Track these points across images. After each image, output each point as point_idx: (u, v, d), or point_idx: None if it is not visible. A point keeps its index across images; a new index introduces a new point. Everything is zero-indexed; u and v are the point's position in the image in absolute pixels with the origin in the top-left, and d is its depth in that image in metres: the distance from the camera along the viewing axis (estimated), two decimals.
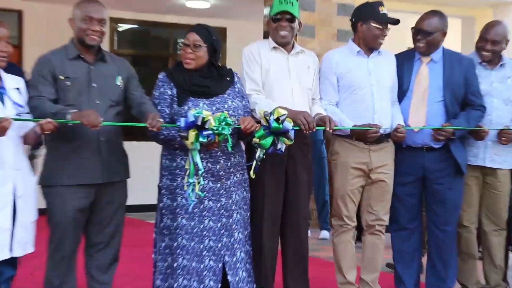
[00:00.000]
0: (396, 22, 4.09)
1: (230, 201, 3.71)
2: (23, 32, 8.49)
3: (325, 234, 6.89)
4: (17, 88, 3.52)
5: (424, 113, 4.17)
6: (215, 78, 3.74)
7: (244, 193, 3.81)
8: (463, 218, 4.44)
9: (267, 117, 3.56)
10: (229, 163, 3.70)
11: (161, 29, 9.65)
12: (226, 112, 3.55)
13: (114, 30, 9.18)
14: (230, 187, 3.72)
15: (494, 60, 4.46)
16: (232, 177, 3.73)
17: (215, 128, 3.41)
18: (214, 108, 3.63)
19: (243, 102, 3.81)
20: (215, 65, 3.76)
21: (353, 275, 4.22)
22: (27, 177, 3.52)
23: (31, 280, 4.48)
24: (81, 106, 3.45)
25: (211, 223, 3.65)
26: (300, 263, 4.08)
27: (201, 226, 3.63)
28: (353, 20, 4.21)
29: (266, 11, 7.27)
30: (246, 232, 3.81)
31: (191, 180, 3.49)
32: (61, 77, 3.50)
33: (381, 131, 4.01)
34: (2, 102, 3.40)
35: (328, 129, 3.83)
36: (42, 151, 3.90)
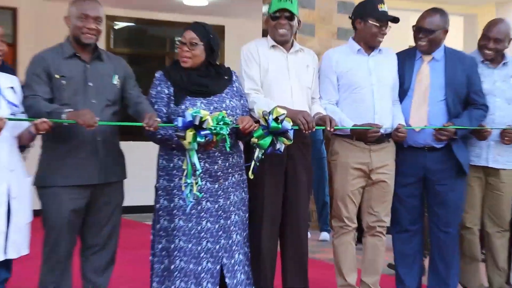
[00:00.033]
0: (395, 19, 4.09)
1: (228, 202, 3.71)
2: (17, 30, 8.47)
3: (325, 235, 6.89)
4: (12, 87, 3.51)
5: (425, 112, 4.17)
6: (213, 77, 3.74)
7: (243, 194, 3.81)
8: (465, 220, 4.45)
9: (266, 117, 3.57)
10: (227, 164, 3.70)
11: (158, 27, 9.65)
12: (224, 111, 3.55)
13: (110, 28, 9.18)
14: (228, 188, 3.72)
15: (496, 58, 4.47)
16: (230, 177, 3.73)
17: (213, 128, 3.41)
18: (211, 107, 3.63)
19: (242, 102, 3.81)
20: (213, 64, 3.76)
21: (353, 278, 4.22)
22: (21, 178, 3.52)
23: (25, 283, 4.47)
24: (77, 105, 3.44)
25: (208, 224, 3.65)
26: (300, 264, 4.08)
27: (199, 227, 3.63)
28: (353, 17, 4.22)
29: (265, 9, 7.27)
30: (244, 234, 3.81)
31: (189, 181, 3.49)
32: (57, 76, 3.49)
33: (382, 130, 4.02)
34: None
35: (328, 128, 3.84)
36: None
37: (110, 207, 3.70)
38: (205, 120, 3.38)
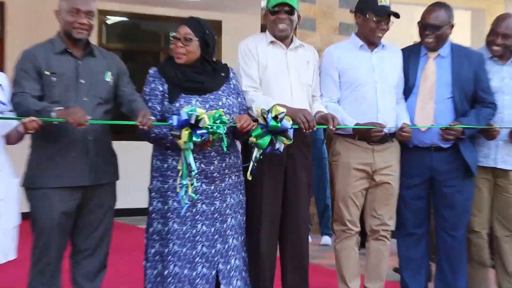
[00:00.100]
0: (394, 15, 4.09)
1: (225, 205, 3.71)
2: (5, 25, 8.45)
3: (326, 240, 6.89)
4: (0, 85, 3.51)
5: (431, 110, 4.17)
6: (209, 74, 3.74)
7: (240, 196, 3.81)
8: (473, 223, 4.44)
9: (265, 115, 3.57)
10: (223, 164, 3.70)
11: (152, 22, 9.64)
12: (221, 109, 3.55)
13: (103, 23, 9.17)
14: (225, 190, 3.71)
15: (505, 54, 4.47)
16: (227, 179, 3.72)
17: (209, 127, 3.40)
18: (207, 105, 3.63)
19: (239, 99, 3.81)
20: (209, 60, 3.76)
21: (356, 284, 4.22)
22: (9, 179, 3.52)
23: None
24: (68, 103, 3.43)
25: (204, 227, 3.65)
26: (300, 267, 4.09)
27: (194, 231, 3.63)
28: (354, 11, 4.22)
29: (264, 3, 7.24)
30: (241, 238, 3.81)
31: (184, 182, 3.48)
32: (47, 73, 3.47)
33: (386, 130, 4.02)
34: None
35: (331, 127, 3.84)
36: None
37: (102, 209, 3.68)
38: (201, 119, 3.38)
